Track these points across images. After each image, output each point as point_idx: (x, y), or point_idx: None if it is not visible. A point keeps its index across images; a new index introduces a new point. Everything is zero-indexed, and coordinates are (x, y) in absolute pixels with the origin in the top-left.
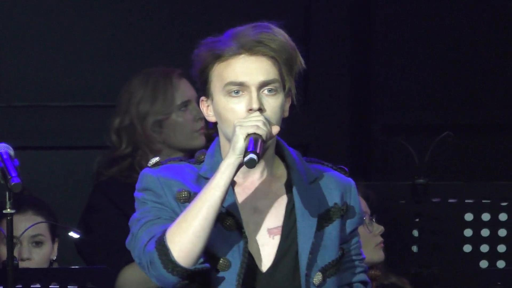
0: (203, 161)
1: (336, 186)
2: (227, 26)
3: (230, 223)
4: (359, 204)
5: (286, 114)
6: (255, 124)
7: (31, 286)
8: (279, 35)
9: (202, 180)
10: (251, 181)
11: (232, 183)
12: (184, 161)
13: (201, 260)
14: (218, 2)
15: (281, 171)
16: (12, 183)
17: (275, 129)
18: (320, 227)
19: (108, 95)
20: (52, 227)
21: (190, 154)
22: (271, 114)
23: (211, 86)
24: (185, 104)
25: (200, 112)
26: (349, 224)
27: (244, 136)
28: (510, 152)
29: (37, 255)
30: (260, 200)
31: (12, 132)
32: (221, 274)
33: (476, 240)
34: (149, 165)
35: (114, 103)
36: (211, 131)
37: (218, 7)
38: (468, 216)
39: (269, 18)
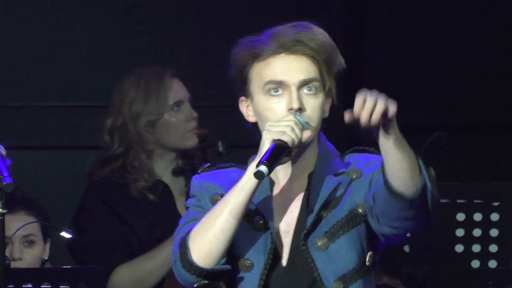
0: None
1: (361, 161)
2: (218, 25)
3: (258, 223)
4: None
5: (327, 114)
6: (282, 129)
7: (23, 286)
8: (319, 34)
9: None
10: (290, 180)
11: (271, 183)
12: (235, 166)
13: (223, 261)
14: (210, 2)
15: None
16: (4, 183)
17: (306, 134)
18: (328, 209)
19: (100, 95)
20: (43, 227)
21: (182, 154)
22: (311, 113)
23: (250, 86)
24: (178, 104)
25: (193, 112)
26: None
27: (270, 141)
28: (502, 152)
29: (28, 255)
30: (295, 201)
31: (4, 132)
32: (243, 274)
33: (468, 240)
34: (198, 171)
35: (107, 103)
36: (204, 131)
37: (210, 7)
38: (460, 216)
39: (260, 18)
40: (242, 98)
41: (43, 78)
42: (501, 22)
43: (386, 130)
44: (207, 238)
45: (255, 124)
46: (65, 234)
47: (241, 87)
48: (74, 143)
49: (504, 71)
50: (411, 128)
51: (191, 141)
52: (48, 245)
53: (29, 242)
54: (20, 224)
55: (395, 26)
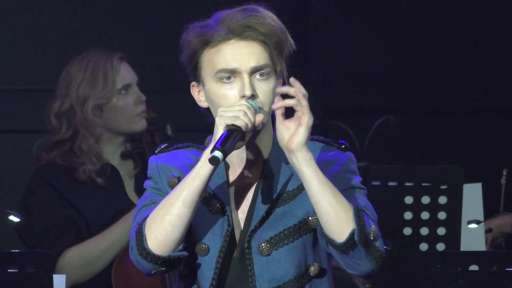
0: None
1: (318, 158)
2: (166, 9)
3: (216, 207)
4: (351, 168)
5: None
6: (235, 114)
7: None
8: (268, 18)
9: None
10: (245, 166)
11: (226, 168)
12: (192, 146)
13: (180, 247)
14: None
15: None
16: None
17: (259, 118)
18: (278, 204)
19: (48, 79)
20: None
21: (131, 138)
22: (264, 98)
23: (201, 72)
24: (126, 87)
25: (141, 95)
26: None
27: (223, 127)
28: (449, 135)
29: None
30: (251, 189)
31: None
32: (201, 259)
33: (416, 223)
34: (156, 151)
35: (54, 87)
36: (152, 114)
37: None
38: (408, 199)
39: (208, 1)
40: (194, 83)
41: None
42: (447, 9)
43: (300, 153)
44: (163, 226)
45: (207, 109)
46: (14, 218)
47: (192, 73)
48: (21, 127)
49: (451, 55)
50: (359, 111)
51: (140, 125)
52: None
53: None
54: None
55: (336, 10)
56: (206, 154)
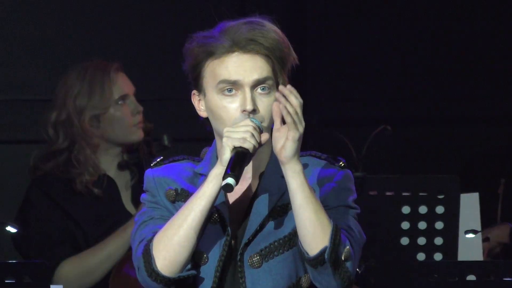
0: None
1: (314, 174)
2: (163, 20)
3: (214, 217)
4: (346, 186)
5: None
6: (242, 136)
7: None
8: (272, 32)
9: (198, 176)
10: (243, 179)
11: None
12: (188, 159)
13: (188, 266)
14: None
15: None
16: None
17: (264, 137)
18: (271, 217)
19: (45, 89)
20: None
21: (128, 149)
22: (265, 113)
23: (203, 82)
24: (123, 98)
25: (138, 106)
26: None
27: (231, 148)
28: (446, 145)
29: None
30: (247, 202)
31: None
32: (200, 268)
33: (413, 232)
34: (151, 165)
35: (51, 97)
36: (149, 125)
37: (155, 1)
38: (405, 209)
39: (203, 14)
40: (194, 92)
41: None
42: (443, 18)
43: (289, 161)
44: (172, 247)
45: (206, 118)
46: (11, 229)
47: (194, 82)
48: (18, 137)
49: (448, 65)
50: (356, 121)
51: (137, 135)
52: None
53: None
54: None
55: (333, 20)
56: (213, 175)
